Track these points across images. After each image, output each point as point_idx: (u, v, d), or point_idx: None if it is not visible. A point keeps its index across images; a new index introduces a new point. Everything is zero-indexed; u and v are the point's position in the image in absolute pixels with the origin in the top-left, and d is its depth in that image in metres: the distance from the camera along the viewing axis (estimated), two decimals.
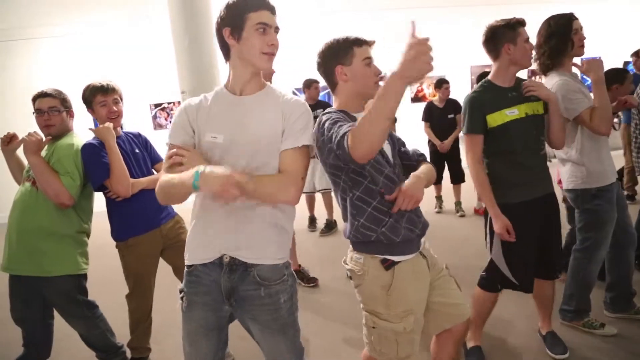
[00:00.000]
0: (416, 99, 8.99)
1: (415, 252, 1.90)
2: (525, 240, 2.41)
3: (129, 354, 2.91)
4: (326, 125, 1.74)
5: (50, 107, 2.56)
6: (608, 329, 2.89)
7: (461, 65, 8.98)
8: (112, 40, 8.16)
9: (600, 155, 2.71)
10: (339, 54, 1.88)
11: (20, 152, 2.71)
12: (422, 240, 1.97)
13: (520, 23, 2.39)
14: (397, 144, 2.07)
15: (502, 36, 2.39)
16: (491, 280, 2.59)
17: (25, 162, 2.70)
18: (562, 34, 2.60)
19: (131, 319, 2.83)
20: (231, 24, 1.65)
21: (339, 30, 2.21)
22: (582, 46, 2.62)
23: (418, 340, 1.90)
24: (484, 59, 2.66)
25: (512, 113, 2.41)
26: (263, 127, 1.68)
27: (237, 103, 1.72)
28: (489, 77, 2.52)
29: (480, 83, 2.55)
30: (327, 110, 1.89)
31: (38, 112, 2.56)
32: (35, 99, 2.57)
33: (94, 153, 2.53)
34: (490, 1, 8.65)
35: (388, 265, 1.84)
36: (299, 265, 4.29)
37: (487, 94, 2.45)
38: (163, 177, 1.63)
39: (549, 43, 2.64)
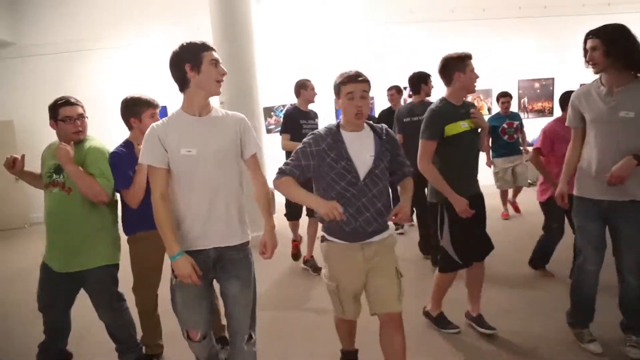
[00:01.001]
0: None
1: (348, 242, 2.37)
2: (466, 227, 3.00)
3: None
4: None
5: (80, 115, 2.79)
6: (594, 346, 2.92)
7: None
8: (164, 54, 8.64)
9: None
10: None
11: (28, 165, 2.96)
12: (376, 238, 2.38)
13: (469, 57, 3.04)
14: (390, 153, 2.42)
15: (453, 66, 3.00)
16: (445, 263, 3.17)
17: (34, 169, 2.98)
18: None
19: (138, 312, 3.04)
20: (191, 60, 2.11)
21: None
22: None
23: (347, 306, 2.46)
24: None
25: (464, 125, 3.00)
26: (225, 139, 2.21)
27: (199, 122, 2.19)
28: (445, 96, 3.09)
29: (438, 100, 3.11)
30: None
31: (68, 119, 2.75)
32: (59, 107, 2.74)
33: (119, 163, 2.79)
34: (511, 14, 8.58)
35: (322, 239, 2.49)
36: (312, 256, 4.87)
37: (446, 109, 3.02)
38: (158, 205, 2.15)
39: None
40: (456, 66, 2.99)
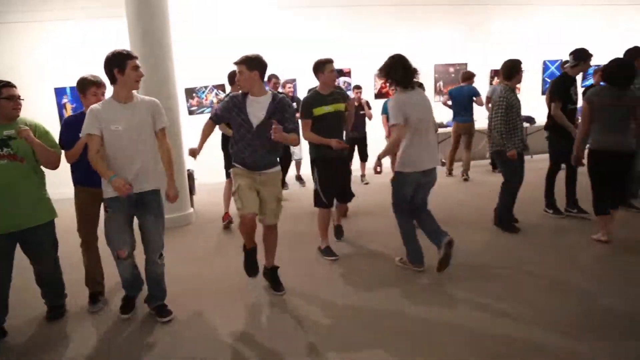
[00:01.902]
0: (379, 94, 9.19)
1: (249, 169, 3.51)
2: (329, 177, 4.37)
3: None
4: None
5: (18, 96, 3.26)
6: None
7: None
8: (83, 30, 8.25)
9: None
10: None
11: None
12: (267, 171, 3.52)
13: (329, 61, 4.15)
14: (279, 113, 3.45)
15: (316, 69, 4.19)
16: (318, 201, 4.45)
17: None
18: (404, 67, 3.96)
19: (82, 249, 3.71)
20: (118, 65, 3.08)
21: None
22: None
23: (247, 201, 3.42)
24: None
25: (327, 108, 4.23)
26: (141, 118, 3.20)
27: (124, 107, 3.17)
28: (317, 87, 4.35)
29: (310, 90, 4.49)
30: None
31: (11, 98, 3.18)
32: (3, 87, 3.16)
33: (74, 126, 3.39)
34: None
35: (232, 167, 3.62)
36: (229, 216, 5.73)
37: (314, 97, 4.28)
38: (94, 159, 3.06)
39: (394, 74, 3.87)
40: (318, 69, 4.14)
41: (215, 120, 3.64)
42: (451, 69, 9.52)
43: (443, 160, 8.53)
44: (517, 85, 5.00)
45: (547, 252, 4.33)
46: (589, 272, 3.85)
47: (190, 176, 6.55)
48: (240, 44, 8.26)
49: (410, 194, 3.95)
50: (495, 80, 9.33)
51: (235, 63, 3.42)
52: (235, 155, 3.57)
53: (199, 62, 8.15)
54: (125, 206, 3.19)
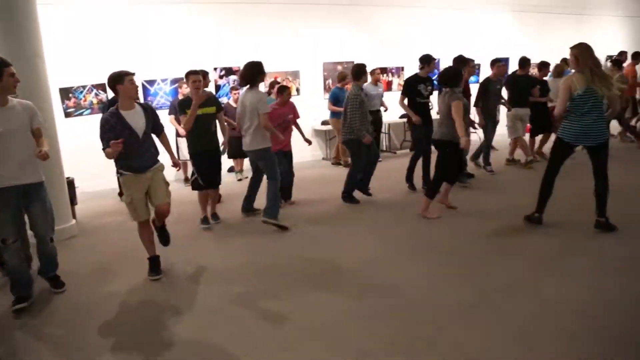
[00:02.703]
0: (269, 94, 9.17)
1: (138, 173, 3.99)
2: (203, 167, 5.37)
3: None
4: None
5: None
6: None
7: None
8: None
9: None
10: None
11: None
12: (152, 167, 4.07)
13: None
14: (152, 120, 4.08)
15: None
16: (196, 184, 5.47)
17: None
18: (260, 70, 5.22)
19: None
20: None
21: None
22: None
23: (140, 210, 4.07)
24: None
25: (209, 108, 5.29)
26: (18, 120, 3.58)
27: (2, 110, 3.50)
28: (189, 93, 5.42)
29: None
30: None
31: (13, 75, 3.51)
32: (7, 65, 3.45)
33: None
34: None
35: (120, 174, 4.09)
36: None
37: (185, 100, 5.39)
38: None
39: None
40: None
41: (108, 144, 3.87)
42: (339, 67, 9.77)
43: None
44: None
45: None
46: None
47: (71, 184, 5.98)
48: (122, 40, 7.92)
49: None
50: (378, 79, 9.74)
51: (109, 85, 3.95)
52: (122, 163, 3.99)
53: (75, 59, 7.57)
54: (13, 198, 3.60)
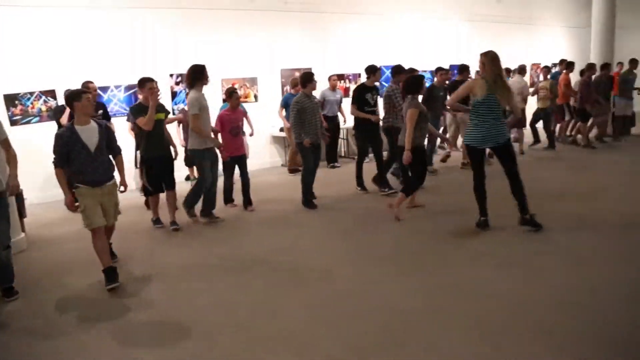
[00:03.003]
0: None
1: (92, 187, 4.09)
2: (152, 170, 5.55)
3: None
4: None
5: None
6: None
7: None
8: None
9: None
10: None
11: None
12: (107, 184, 4.21)
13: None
14: (107, 136, 4.24)
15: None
16: (145, 190, 5.80)
17: None
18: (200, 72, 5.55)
19: None
20: None
21: None
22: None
23: (93, 217, 4.07)
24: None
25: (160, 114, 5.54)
26: None
27: None
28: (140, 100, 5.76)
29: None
30: None
31: None
32: None
33: None
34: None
35: (75, 187, 4.13)
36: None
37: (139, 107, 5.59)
38: None
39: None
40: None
41: (62, 164, 4.09)
42: (297, 74, 9.77)
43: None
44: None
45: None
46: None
47: (19, 196, 5.69)
48: (73, 45, 7.64)
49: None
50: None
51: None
52: (77, 177, 4.11)
53: (22, 64, 7.26)
54: None
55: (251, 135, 7.92)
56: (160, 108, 5.66)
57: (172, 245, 5.27)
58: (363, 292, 3.73)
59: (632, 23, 15.10)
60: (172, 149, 5.82)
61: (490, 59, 4.63)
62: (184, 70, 8.63)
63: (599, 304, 3.30)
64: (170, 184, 5.74)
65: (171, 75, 8.58)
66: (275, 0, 9.26)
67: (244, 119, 7.07)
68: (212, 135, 5.92)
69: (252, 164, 8.91)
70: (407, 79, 5.86)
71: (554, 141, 9.81)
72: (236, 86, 8.93)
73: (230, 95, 6.38)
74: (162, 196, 5.78)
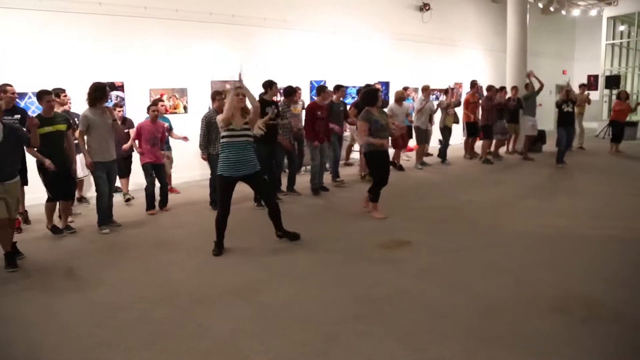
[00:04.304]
0: None
1: None
2: (55, 179, 5.62)
3: None
4: None
5: None
6: None
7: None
8: None
9: None
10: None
11: None
12: (8, 181, 4.59)
13: (50, 92, 5.38)
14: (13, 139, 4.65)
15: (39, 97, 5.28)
16: (48, 196, 5.77)
17: None
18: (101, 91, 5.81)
19: None
20: None
21: None
22: None
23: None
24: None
25: (49, 128, 5.52)
26: None
27: None
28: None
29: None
30: None
31: None
32: None
33: None
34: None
35: None
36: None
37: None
38: None
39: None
40: (40, 98, 5.18)
41: None
42: (228, 86, 9.71)
43: None
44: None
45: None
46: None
47: None
48: None
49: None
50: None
51: None
52: None
53: None
54: None
55: (185, 139, 7.86)
56: (61, 119, 5.77)
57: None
58: (281, 303, 3.77)
59: (541, 50, 16.45)
60: (79, 159, 6.22)
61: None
62: (110, 79, 8.48)
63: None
64: (67, 196, 5.96)
65: None
66: (202, 11, 9.20)
67: (168, 134, 7.54)
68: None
69: (181, 177, 8.81)
70: (364, 92, 6.44)
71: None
72: (165, 97, 8.79)
73: (149, 107, 6.91)
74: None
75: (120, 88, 8.45)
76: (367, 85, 7.97)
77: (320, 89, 7.80)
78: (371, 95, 6.13)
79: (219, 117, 4.83)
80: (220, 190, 4.98)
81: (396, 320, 3.39)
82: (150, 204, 6.87)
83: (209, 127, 6.54)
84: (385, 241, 5.22)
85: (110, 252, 5.22)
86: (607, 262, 4.47)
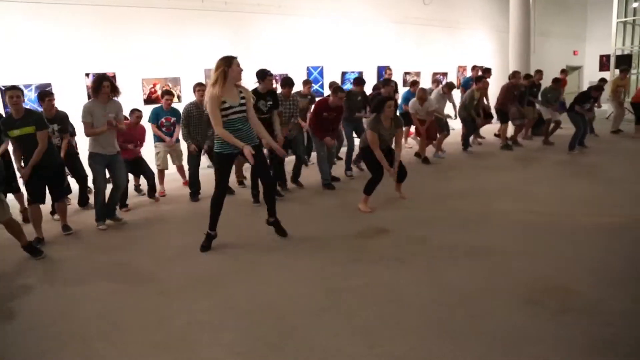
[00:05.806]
0: (149, 100, 8.84)
1: None
2: (35, 184, 5.28)
3: None
4: None
5: None
6: None
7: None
8: None
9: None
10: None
11: None
12: None
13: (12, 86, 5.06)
14: None
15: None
16: (28, 197, 5.44)
17: None
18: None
19: None
20: None
21: None
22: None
23: None
24: None
25: (17, 132, 5.05)
26: None
27: None
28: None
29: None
30: None
31: None
32: None
33: None
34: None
35: None
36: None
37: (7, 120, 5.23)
38: None
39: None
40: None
41: None
42: None
43: None
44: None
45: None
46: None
47: None
48: None
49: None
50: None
51: None
52: None
53: None
54: None
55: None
56: (31, 120, 5.04)
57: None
58: (243, 294, 3.70)
59: (550, 30, 15.98)
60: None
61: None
62: (101, 69, 8.43)
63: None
64: (57, 196, 5.66)
65: (87, 75, 8.23)
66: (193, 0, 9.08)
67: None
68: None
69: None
70: (373, 98, 6.72)
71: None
72: (157, 86, 8.73)
73: (131, 113, 6.98)
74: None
75: (112, 78, 8.39)
76: (386, 81, 8.00)
77: (334, 90, 7.01)
78: (377, 105, 5.98)
79: (211, 93, 4.31)
80: (219, 170, 4.69)
81: (359, 313, 3.30)
82: (122, 203, 6.53)
83: (188, 119, 6.74)
84: (363, 229, 5.12)
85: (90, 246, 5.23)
86: (593, 252, 4.30)
